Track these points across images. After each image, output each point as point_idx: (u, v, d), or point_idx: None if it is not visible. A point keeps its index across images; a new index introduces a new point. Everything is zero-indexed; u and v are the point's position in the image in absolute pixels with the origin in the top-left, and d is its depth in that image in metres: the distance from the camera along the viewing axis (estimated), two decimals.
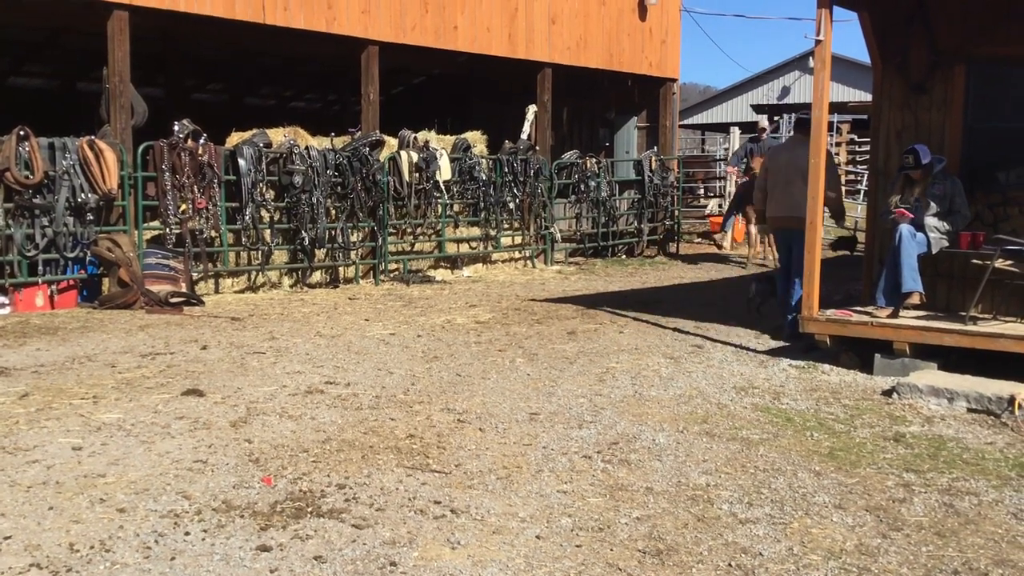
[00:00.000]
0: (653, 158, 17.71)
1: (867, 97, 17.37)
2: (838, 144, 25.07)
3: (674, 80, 19.55)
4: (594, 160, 16.73)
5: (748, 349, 8.39)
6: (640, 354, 8.11)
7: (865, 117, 23.21)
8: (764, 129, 16.85)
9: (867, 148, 19.80)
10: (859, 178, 23.61)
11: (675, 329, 9.35)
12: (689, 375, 7.32)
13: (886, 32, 8.69)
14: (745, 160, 16.26)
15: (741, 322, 9.61)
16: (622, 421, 5.97)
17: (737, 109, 36.80)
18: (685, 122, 36.42)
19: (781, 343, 8.58)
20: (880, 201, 8.60)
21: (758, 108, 34.03)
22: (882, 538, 4.18)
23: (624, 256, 17.15)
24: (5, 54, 18.87)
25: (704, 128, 40.33)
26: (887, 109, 8.78)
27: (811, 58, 8.54)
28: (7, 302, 10.05)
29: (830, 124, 21.69)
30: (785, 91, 35.12)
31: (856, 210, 21.59)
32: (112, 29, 11.46)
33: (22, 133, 10.05)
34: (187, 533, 4.03)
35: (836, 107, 24.30)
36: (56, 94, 21.11)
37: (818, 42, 7.64)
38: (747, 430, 5.84)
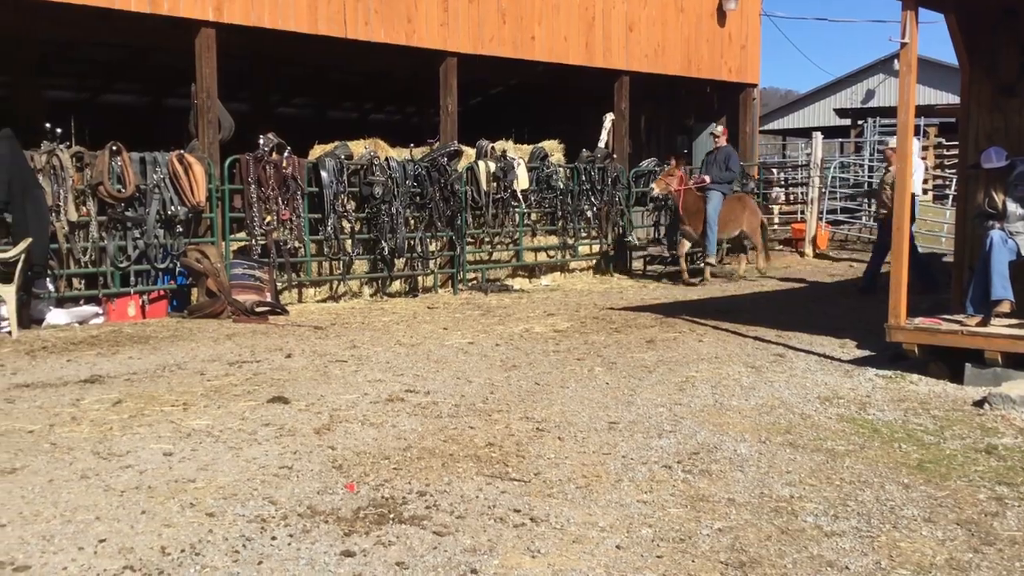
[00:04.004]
0: None
1: (955, 100, 16.92)
2: (925, 148, 24.42)
3: (754, 85, 19.33)
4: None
5: (832, 358, 8.22)
6: (720, 363, 8.01)
7: (953, 120, 22.56)
8: (717, 136, 14.75)
9: (955, 152, 19.24)
10: (947, 183, 22.97)
11: (756, 338, 9.21)
12: (771, 384, 7.20)
13: (974, 33, 8.45)
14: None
15: (825, 331, 9.42)
16: (702, 431, 5.91)
17: (820, 114, 36.10)
18: (765, 128, 35.88)
19: (867, 352, 8.40)
20: (969, 206, 8.36)
21: (841, 112, 33.36)
22: (974, 552, 4.06)
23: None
24: (97, 72, 19.59)
25: (785, 133, 39.67)
26: (976, 112, 8.54)
27: (896, 61, 8.34)
28: (101, 312, 10.41)
29: (916, 128, 21.16)
30: (869, 95, 34.35)
31: (945, 215, 21.01)
32: (200, 46, 11.81)
33: (115, 148, 10.42)
34: (274, 538, 4.12)
35: (923, 110, 23.68)
36: (146, 110, 21.81)
37: (903, 45, 7.47)
38: (832, 441, 5.72)
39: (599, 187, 15.11)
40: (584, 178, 14.94)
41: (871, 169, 22.35)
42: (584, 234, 15.18)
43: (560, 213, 14.66)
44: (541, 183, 14.42)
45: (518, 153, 14.33)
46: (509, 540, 4.15)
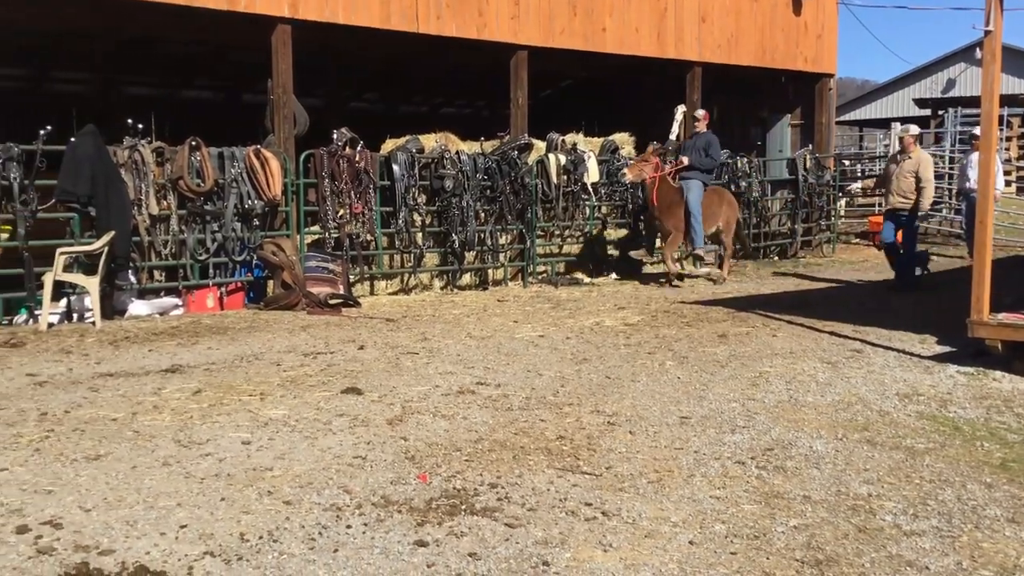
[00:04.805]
0: (807, 156, 17.20)
1: None
2: (1008, 139, 23.68)
3: (830, 75, 18.94)
4: (745, 160, 16.38)
5: (912, 354, 8.04)
6: (795, 358, 7.89)
7: None
8: (697, 120, 13.67)
9: None
10: None
11: (831, 333, 9.05)
12: (848, 381, 7.07)
13: None
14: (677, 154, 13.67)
15: (904, 326, 9.21)
16: (777, 427, 5.83)
17: (898, 104, 35.30)
18: (842, 118, 35.20)
19: (948, 348, 8.19)
20: None
21: (921, 102, 32.52)
22: None
23: (776, 258, 16.72)
24: (177, 69, 20.04)
25: (863, 124, 38.84)
26: None
27: (978, 49, 8.05)
28: (181, 303, 10.67)
29: (1000, 118, 20.49)
30: (950, 84, 33.47)
31: None
32: (276, 42, 12.02)
33: (194, 143, 10.65)
34: (349, 526, 4.19)
35: (1007, 100, 22.98)
36: (223, 106, 22.24)
37: (987, 32, 7.25)
38: (911, 439, 5.60)
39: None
40: None
41: (952, 160, 21.76)
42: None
43: (630, 206, 14.57)
44: (611, 176, 14.34)
45: (588, 146, 14.28)
46: (581, 533, 4.15)
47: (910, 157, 11.92)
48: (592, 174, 13.88)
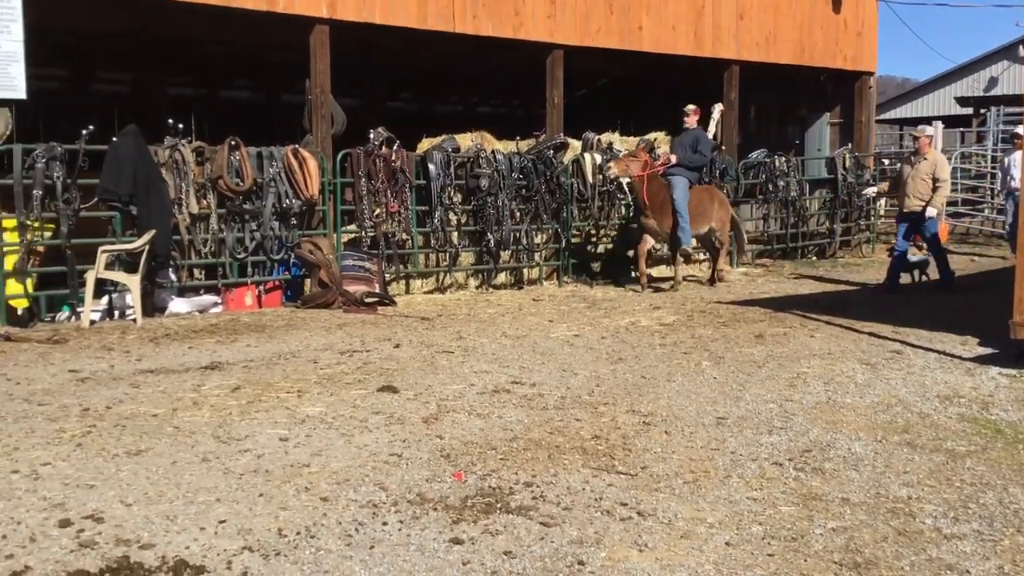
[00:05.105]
0: (847, 155, 17.01)
1: None
2: None
3: (870, 73, 18.72)
4: (783, 159, 16.24)
5: (953, 356, 7.93)
6: (833, 359, 7.81)
7: None
8: (687, 115, 12.93)
9: None
10: None
11: (871, 333, 8.95)
12: (887, 382, 6.99)
13: None
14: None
15: (945, 327, 9.09)
16: (815, 428, 5.78)
17: (939, 102, 34.80)
18: (882, 117, 34.75)
19: (990, 350, 8.07)
20: None
21: (962, 101, 32.05)
22: None
23: (815, 258, 16.56)
24: (216, 69, 20.24)
25: (903, 123, 38.34)
26: None
27: (1021, 47, 7.84)
28: (220, 301, 10.78)
29: None
30: (992, 82, 32.92)
31: None
32: (314, 43, 12.09)
33: (233, 143, 10.75)
34: (385, 523, 4.21)
35: None
36: (262, 106, 22.42)
37: None
38: (952, 441, 5.52)
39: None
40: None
41: (994, 160, 21.43)
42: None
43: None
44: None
45: (624, 145, 14.20)
46: (616, 533, 4.14)
47: (925, 159, 11.61)
48: None
